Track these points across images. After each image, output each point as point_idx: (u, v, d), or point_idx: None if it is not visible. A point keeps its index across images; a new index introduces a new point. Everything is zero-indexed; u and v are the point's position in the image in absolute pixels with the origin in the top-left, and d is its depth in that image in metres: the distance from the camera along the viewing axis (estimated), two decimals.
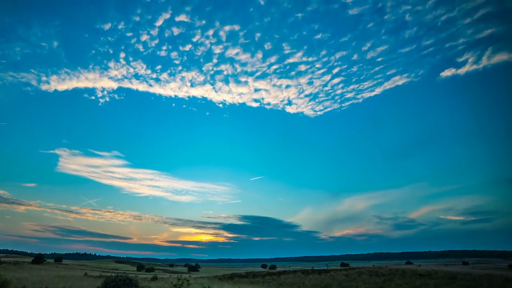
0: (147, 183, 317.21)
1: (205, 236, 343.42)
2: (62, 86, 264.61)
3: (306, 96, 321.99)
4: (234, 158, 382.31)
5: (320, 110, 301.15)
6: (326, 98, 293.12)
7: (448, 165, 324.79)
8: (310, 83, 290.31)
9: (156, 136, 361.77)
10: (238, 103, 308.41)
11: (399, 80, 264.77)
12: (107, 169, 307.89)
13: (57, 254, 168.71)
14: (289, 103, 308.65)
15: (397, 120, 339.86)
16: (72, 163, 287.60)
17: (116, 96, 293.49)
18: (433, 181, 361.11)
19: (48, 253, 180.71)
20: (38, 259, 49.12)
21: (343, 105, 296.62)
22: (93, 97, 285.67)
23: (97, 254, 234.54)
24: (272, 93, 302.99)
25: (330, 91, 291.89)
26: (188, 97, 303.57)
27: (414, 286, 23.28)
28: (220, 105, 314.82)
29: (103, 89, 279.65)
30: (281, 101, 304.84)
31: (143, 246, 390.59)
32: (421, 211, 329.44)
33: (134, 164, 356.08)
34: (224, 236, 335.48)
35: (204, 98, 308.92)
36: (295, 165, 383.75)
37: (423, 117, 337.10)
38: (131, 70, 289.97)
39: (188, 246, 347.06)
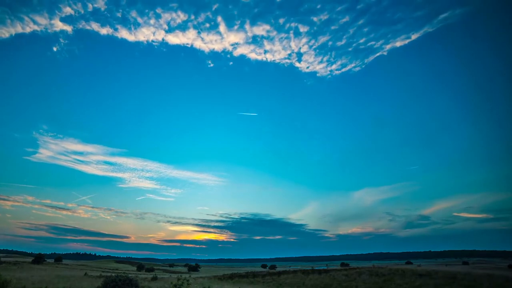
0: (139, 174, 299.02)
1: (204, 235, 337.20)
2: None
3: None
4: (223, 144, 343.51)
5: (337, 70, 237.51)
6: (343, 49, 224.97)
7: (475, 152, 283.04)
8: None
9: (128, 112, 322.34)
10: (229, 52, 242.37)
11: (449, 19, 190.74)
12: (91, 158, 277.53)
13: (56, 254, 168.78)
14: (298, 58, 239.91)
15: (431, 83, 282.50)
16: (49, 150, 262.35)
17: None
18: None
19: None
20: (38, 259, 49.13)
21: (366, 60, 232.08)
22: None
23: (96, 254, 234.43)
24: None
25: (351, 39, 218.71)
26: (163, 44, 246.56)
27: (414, 286, 23.28)
28: (210, 62, 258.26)
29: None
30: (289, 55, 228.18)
31: (141, 246, 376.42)
32: (436, 207, 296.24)
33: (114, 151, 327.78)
34: (224, 235, 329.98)
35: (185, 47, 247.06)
36: (299, 151, 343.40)
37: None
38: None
39: (186, 245, 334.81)
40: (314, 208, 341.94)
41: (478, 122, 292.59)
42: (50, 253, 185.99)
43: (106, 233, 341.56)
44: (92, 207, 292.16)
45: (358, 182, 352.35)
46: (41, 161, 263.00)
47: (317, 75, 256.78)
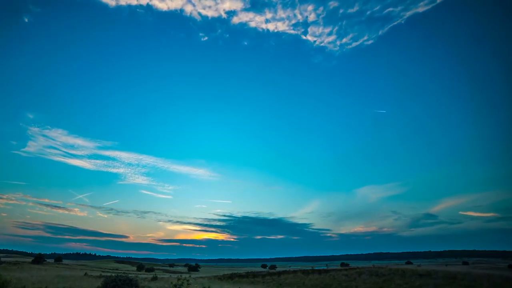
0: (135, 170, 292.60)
1: (204, 235, 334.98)
2: None
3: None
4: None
5: (348, 44, 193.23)
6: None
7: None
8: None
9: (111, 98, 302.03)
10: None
11: None
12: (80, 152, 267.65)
13: (56, 254, 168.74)
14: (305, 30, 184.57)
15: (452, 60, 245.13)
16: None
17: None
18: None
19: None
20: (38, 259, 49.10)
21: (380, 32, 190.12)
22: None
23: (96, 254, 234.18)
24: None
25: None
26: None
27: (414, 286, 23.29)
28: (203, 35, 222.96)
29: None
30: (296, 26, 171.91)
31: (140, 246, 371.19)
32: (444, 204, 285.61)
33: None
34: (224, 234, 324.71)
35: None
36: (300, 146, 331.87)
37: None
38: None
39: (186, 245, 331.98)
40: (317, 207, 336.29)
41: (489, 116, 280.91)
42: (50, 253, 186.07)
43: (105, 232, 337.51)
44: (89, 206, 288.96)
45: (362, 179, 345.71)
46: (30, 155, 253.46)
47: (326, 50, 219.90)
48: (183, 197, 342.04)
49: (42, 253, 54.88)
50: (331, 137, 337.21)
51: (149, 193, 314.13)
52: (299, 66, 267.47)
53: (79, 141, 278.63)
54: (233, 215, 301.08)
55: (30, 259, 55.83)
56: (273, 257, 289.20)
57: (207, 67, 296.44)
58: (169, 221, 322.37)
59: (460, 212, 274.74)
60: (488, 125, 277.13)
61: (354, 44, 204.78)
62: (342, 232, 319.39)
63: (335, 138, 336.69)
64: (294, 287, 27.23)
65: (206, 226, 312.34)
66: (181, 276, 15.01)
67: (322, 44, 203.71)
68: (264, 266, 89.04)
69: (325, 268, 46.45)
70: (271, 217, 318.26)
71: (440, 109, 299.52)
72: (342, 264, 72.04)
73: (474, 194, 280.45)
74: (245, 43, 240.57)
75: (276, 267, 78.04)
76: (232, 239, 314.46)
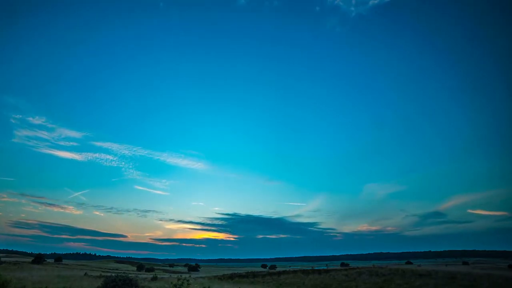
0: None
1: (203, 234, 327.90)
2: None
3: None
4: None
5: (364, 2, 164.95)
6: None
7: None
8: None
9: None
10: None
11: None
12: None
13: (56, 254, 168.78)
14: None
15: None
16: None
17: None
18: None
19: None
20: (38, 259, 49.16)
21: None
22: None
23: (96, 254, 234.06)
24: None
25: None
26: None
27: (414, 286, 23.28)
28: None
29: None
30: None
31: (139, 245, 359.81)
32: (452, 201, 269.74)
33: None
34: (224, 234, 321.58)
35: None
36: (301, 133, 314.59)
37: None
38: None
39: (185, 244, 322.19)
40: (320, 205, 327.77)
41: (504, 109, 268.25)
42: (50, 253, 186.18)
43: (103, 231, 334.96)
44: (86, 204, 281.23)
45: (368, 176, 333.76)
46: (14, 147, 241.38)
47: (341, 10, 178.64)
48: (180, 192, 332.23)
49: (40, 252, 54.96)
50: (333, 134, 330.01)
51: (145, 189, 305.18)
52: (307, 34, 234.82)
53: (69, 132, 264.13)
54: (233, 214, 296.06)
55: (30, 259, 55.86)
56: (274, 257, 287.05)
57: (195, 39, 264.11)
58: (168, 220, 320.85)
59: (469, 210, 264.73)
60: (501, 119, 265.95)
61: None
62: (345, 231, 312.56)
63: (339, 135, 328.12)
64: (294, 287, 27.23)
65: (204, 224, 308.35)
66: (181, 276, 15.01)
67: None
68: (264, 266, 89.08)
69: (325, 268, 46.46)
70: (272, 217, 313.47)
71: (452, 103, 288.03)
72: (342, 264, 72.09)
73: (484, 192, 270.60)
74: (241, 1, 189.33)
75: (276, 267, 78.04)
76: (232, 239, 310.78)
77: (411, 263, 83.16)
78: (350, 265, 64.37)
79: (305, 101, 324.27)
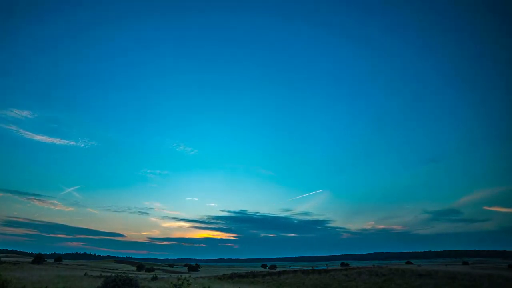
0: None
1: (203, 233, 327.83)
2: None
3: None
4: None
5: None
6: None
7: None
8: None
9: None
10: None
11: None
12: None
13: (56, 254, 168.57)
14: None
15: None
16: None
17: None
18: None
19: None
20: (38, 259, 49.12)
21: None
22: None
23: (96, 254, 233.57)
24: None
25: None
26: None
27: (414, 286, 23.28)
28: None
29: None
30: None
31: (139, 245, 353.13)
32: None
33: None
34: (223, 233, 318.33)
35: None
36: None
37: None
38: None
39: (185, 244, 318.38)
40: (321, 204, 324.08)
41: None
42: (50, 253, 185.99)
43: (100, 230, 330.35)
44: (79, 202, 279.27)
45: (374, 171, 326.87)
46: None
47: None
48: (172, 185, 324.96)
49: (38, 252, 55.02)
50: (337, 130, 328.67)
51: (135, 180, 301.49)
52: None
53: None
54: (231, 213, 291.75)
55: (30, 259, 55.87)
56: (274, 257, 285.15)
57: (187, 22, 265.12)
58: (162, 218, 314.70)
59: (485, 207, 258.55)
60: None
61: None
62: (352, 229, 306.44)
63: (346, 129, 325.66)
64: (294, 287, 27.23)
65: (203, 222, 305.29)
66: (181, 276, 15.00)
67: None
68: (264, 266, 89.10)
69: (325, 268, 46.47)
70: (274, 215, 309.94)
71: (471, 95, 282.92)
72: (342, 264, 72.10)
73: (500, 187, 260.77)
74: None
75: (276, 267, 78.04)
76: (232, 238, 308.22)
77: (411, 263, 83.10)
78: (350, 265, 64.40)
79: (310, 96, 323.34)
